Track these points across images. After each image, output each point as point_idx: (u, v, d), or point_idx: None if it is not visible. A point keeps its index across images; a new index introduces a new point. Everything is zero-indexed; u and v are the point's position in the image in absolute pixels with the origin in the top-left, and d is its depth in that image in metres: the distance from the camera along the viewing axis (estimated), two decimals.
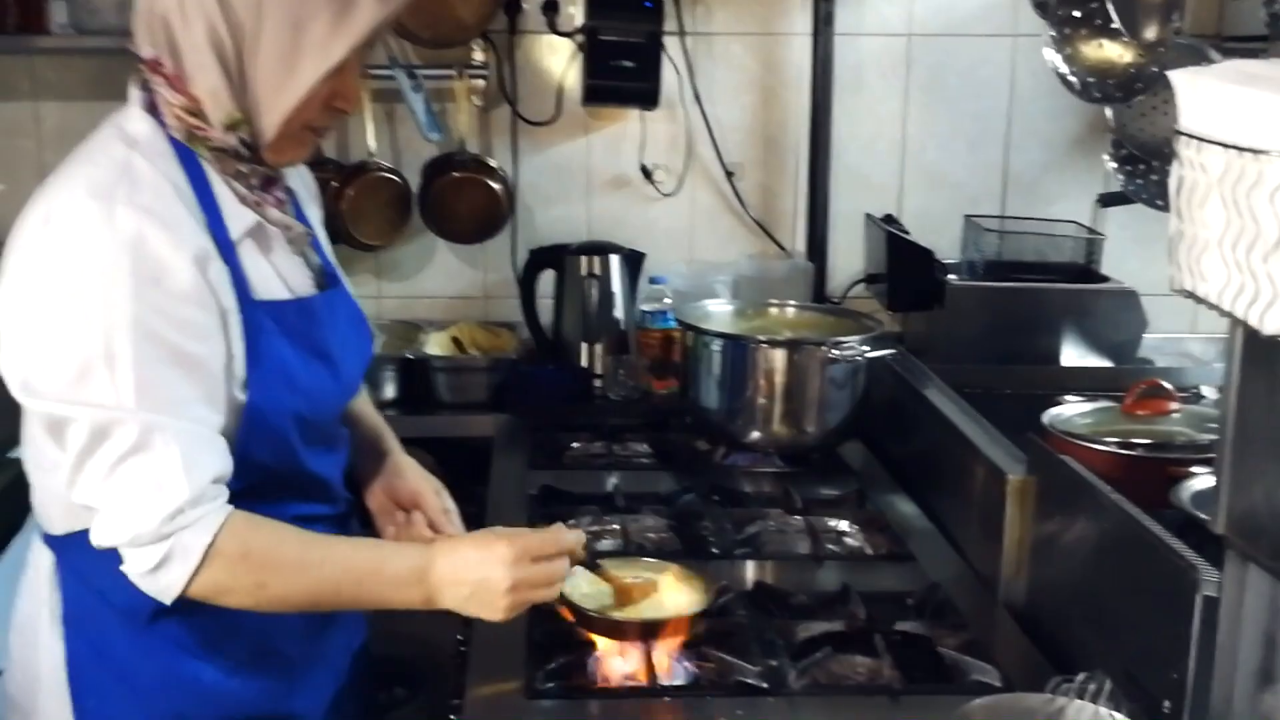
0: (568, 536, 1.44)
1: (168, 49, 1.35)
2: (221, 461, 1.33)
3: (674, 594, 1.59)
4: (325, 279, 1.53)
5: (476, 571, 1.36)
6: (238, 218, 1.38)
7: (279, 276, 1.44)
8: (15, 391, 1.31)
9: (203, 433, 1.31)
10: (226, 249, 1.36)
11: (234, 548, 1.30)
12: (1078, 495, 1.58)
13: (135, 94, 1.39)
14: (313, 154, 1.49)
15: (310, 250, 1.52)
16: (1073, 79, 2.24)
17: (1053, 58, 2.25)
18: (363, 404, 1.74)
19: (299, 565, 1.35)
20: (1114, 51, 2.18)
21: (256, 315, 1.37)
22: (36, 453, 1.41)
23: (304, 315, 1.45)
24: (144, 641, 1.41)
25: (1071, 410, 1.92)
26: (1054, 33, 2.24)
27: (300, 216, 1.54)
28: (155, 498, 1.26)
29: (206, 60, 1.33)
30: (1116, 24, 2.10)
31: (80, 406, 1.27)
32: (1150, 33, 2.13)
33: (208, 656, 1.43)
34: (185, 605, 1.37)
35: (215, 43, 1.32)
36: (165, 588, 1.29)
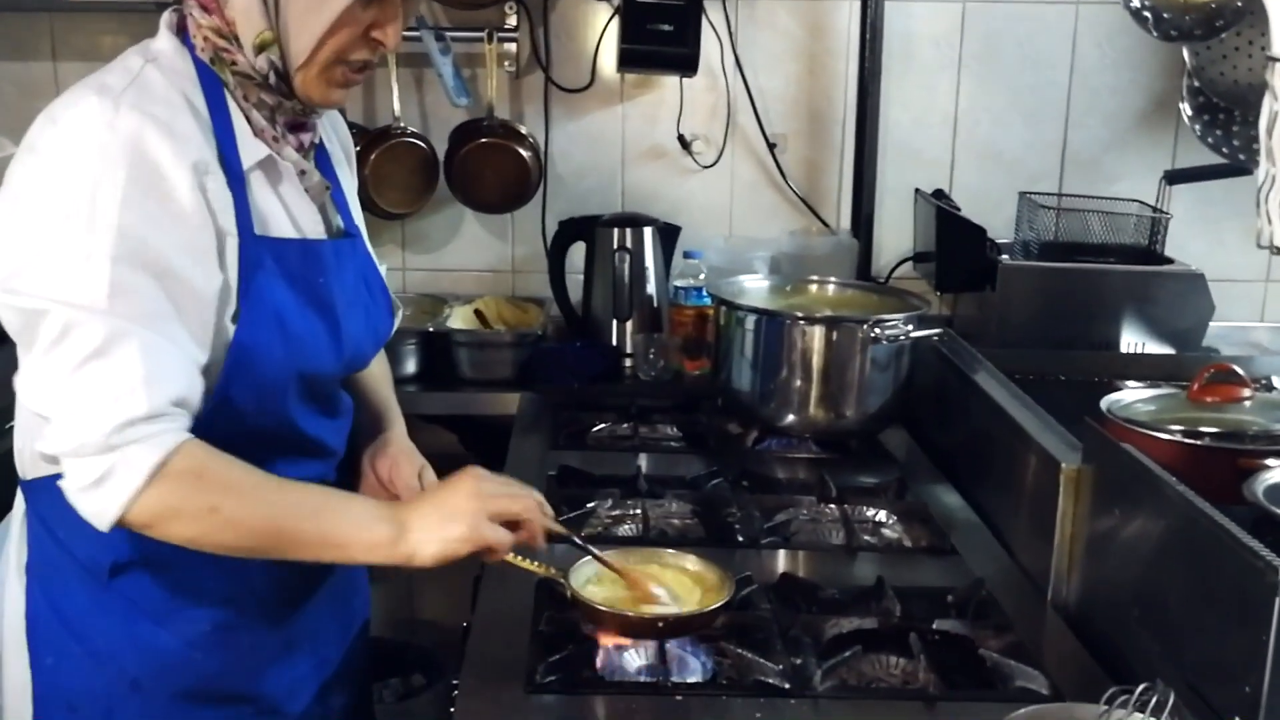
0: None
1: None
2: (187, 384, 1.24)
3: (691, 588, 1.47)
4: (342, 234, 1.47)
5: (442, 493, 1.35)
6: (251, 148, 1.34)
7: (288, 215, 1.39)
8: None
9: (172, 350, 1.23)
10: (235, 177, 1.31)
11: (187, 467, 1.21)
12: (1139, 487, 1.43)
13: (166, 17, 1.36)
14: (346, 97, 1.41)
15: (331, 205, 1.46)
16: (1146, 14, 2.04)
17: None
18: (376, 381, 1.67)
19: (255, 490, 1.26)
20: None
21: (256, 249, 1.32)
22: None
23: (307, 258, 1.39)
24: (101, 598, 1.36)
25: (1133, 396, 1.77)
26: None
27: (329, 174, 1.48)
28: (109, 406, 1.18)
29: None
30: None
31: (51, 302, 1.19)
32: None
33: (165, 621, 1.37)
34: (146, 563, 1.33)
35: None
36: (102, 509, 1.19)
